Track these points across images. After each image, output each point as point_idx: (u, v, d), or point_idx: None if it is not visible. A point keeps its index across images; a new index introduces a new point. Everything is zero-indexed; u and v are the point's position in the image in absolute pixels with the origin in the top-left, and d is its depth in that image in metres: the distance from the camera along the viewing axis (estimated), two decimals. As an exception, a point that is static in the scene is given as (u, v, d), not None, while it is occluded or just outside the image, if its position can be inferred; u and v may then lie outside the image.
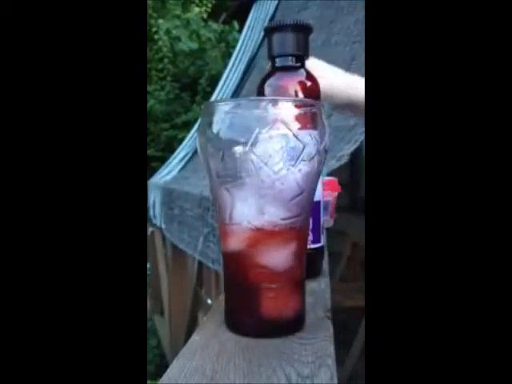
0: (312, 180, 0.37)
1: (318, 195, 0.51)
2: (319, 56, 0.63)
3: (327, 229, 0.74)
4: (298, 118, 0.35)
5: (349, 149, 1.55)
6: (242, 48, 4.59)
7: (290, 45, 0.51)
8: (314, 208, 0.47)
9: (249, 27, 4.68)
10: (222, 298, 0.42)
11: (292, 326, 0.38)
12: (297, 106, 0.36)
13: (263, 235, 0.36)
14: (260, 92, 0.53)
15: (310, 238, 0.51)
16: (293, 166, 0.34)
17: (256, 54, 4.22)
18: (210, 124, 0.36)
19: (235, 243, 0.38)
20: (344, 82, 0.60)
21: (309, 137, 0.35)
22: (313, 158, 0.35)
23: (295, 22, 0.50)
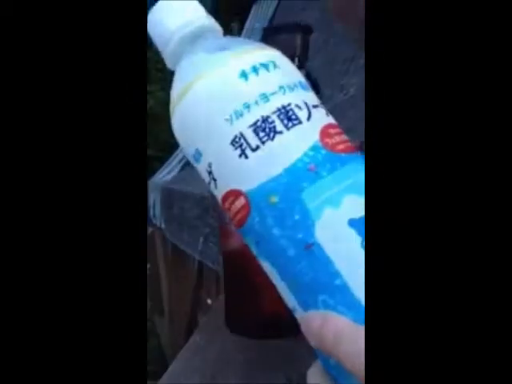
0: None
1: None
2: (319, 56, 0.63)
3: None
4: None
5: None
6: (242, 48, 4.56)
7: (290, 46, 0.51)
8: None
9: (249, 27, 4.68)
10: (221, 298, 0.42)
11: (292, 326, 0.38)
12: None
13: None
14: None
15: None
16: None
17: (256, 54, 4.20)
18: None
19: (235, 243, 0.38)
20: None
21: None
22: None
23: (295, 22, 0.50)
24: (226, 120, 0.22)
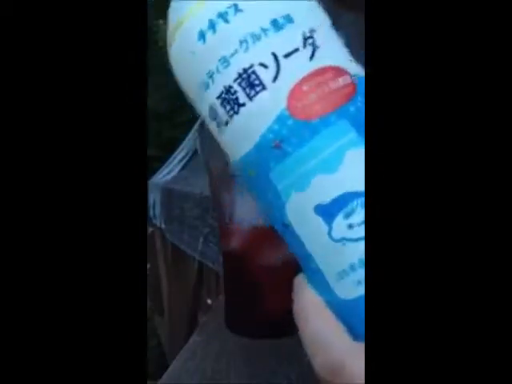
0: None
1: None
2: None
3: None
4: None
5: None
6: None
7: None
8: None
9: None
10: (221, 298, 0.42)
11: (292, 326, 0.38)
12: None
13: (263, 235, 0.36)
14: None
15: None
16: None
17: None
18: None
19: (235, 243, 0.38)
20: None
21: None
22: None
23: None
24: (197, 91, 0.20)
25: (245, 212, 0.36)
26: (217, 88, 0.19)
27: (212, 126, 0.21)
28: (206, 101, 0.20)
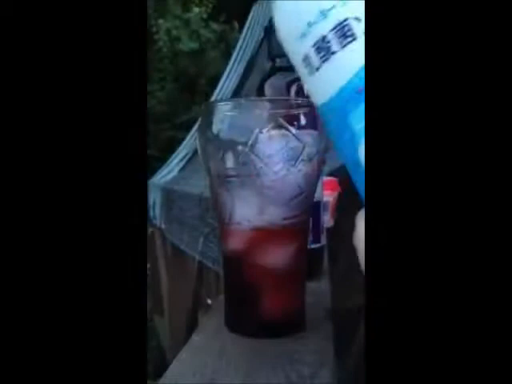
0: (312, 180, 0.37)
1: (318, 195, 0.51)
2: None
3: (327, 229, 0.74)
4: (297, 118, 0.35)
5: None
6: (242, 48, 4.59)
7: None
8: (314, 208, 0.47)
9: (249, 27, 4.68)
10: (221, 298, 0.42)
11: (292, 326, 0.38)
12: (297, 106, 0.36)
13: (263, 235, 0.36)
14: (260, 92, 0.53)
15: (310, 238, 0.51)
16: (293, 166, 0.34)
17: (256, 54, 4.22)
18: (209, 124, 0.36)
19: (235, 243, 0.38)
20: None
21: (309, 137, 0.35)
22: (313, 158, 0.35)
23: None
24: (296, 38, 0.23)
25: (245, 212, 0.36)
26: (314, 37, 0.22)
27: (303, 74, 0.24)
28: (302, 49, 0.23)
